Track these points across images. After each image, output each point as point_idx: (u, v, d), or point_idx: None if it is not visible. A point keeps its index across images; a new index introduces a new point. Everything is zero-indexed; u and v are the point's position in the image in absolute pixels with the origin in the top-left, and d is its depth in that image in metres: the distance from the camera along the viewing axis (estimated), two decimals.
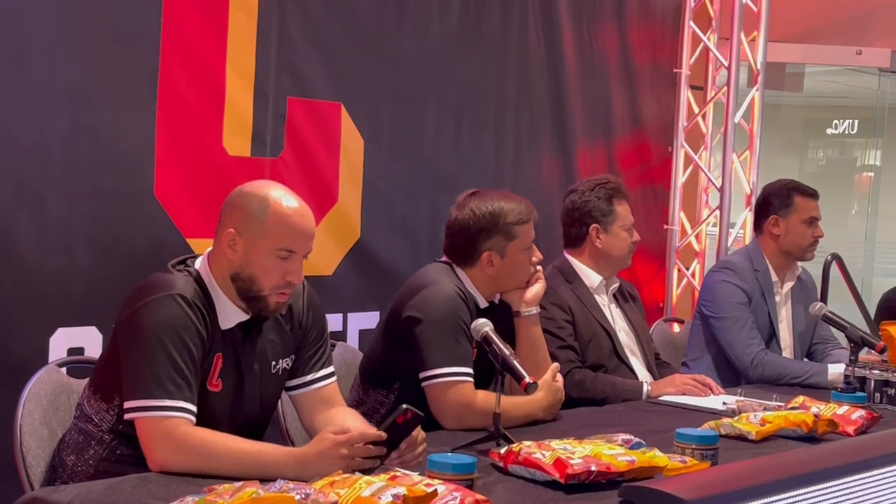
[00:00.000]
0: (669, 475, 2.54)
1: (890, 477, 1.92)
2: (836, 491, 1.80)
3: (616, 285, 4.15)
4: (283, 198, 2.71)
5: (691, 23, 6.03)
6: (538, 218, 3.45)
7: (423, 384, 3.20)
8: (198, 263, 2.76)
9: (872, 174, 9.24)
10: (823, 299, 5.66)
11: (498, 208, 3.35)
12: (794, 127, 10.54)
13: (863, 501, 1.89)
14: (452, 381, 3.18)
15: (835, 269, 5.98)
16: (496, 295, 3.44)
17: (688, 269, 6.16)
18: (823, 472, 1.77)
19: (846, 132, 10.04)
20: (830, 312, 4.11)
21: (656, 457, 2.64)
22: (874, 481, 1.89)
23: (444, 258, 3.44)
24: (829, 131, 10.35)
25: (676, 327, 5.26)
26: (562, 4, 5.31)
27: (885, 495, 1.93)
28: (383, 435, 2.47)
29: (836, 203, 9.10)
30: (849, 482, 1.81)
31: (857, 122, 9.66)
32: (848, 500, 1.86)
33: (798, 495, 1.69)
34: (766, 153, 9.59)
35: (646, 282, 5.96)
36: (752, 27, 6.08)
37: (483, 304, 3.38)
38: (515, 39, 5.12)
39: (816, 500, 1.72)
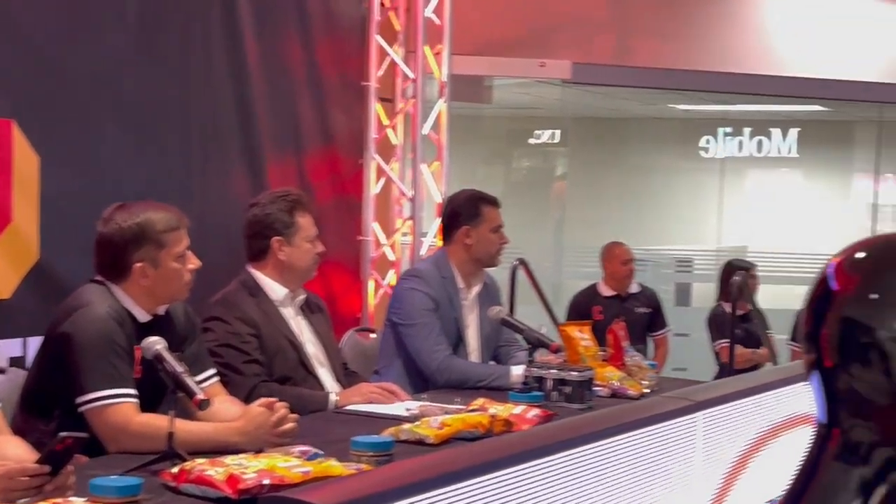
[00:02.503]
0: None
1: (527, 473, 1.99)
2: (474, 489, 1.85)
3: (302, 297, 4.16)
4: None
5: (377, 36, 6.14)
6: (190, 225, 3.41)
7: (80, 409, 3.11)
8: None
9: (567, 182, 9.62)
10: (511, 303, 5.85)
11: (145, 219, 3.29)
12: (498, 137, 10.86)
13: (504, 499, 1.95)
14: (108, 403, 3.10)
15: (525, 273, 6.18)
16: (160, 307, 3.38)
17: (384, 279, 6.25)
18: (462, 470, 1.82)
19: (548, 142, 10.41)
20: (507, 316, 4.25)
21: (332, 466, 2.66)
22: (512, 478, 1.95)
23: (98, 277, 3.36)
24: (530, 141, 10.70)
25: (372, 336, 5.32)
26: (244, 19, 5.29)
27: (522, 492, 2.00)
28: (45, 468, 2.39)
29: (538, 210, 9.43)
30: (486, 480, 1.87)
31: (558, 132, 10.04)
32: (491, 498, 1.92)
33: (436, 496, 1.73)
34: (469, 163, 9.87)
35: (341, 293, 6.01)
36: (438, 40, 6.24)
37: (144, 318, 3.32)
38: (198, 53, 5.07)
39: (455, 499, 1.77)
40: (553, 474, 2.07)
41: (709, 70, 7.74)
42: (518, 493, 1.91)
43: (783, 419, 3.08)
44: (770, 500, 2.84)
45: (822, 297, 1.31)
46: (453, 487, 1.71)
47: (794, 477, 1.32)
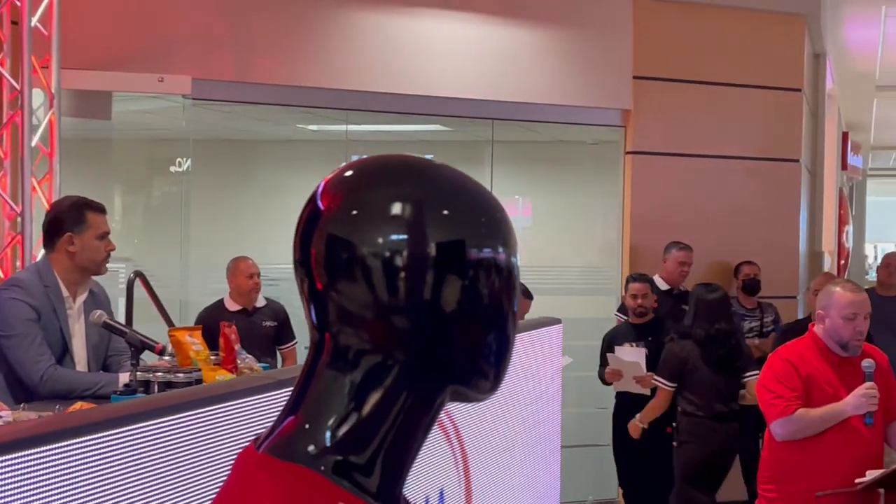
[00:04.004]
0: None
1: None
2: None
3: None
4: None
5: None
6: None
7: None
8: None
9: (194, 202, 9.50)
10: (129, 315, 5.75)
11: None
12: (140, 164, 10.63)
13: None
14: None
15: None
16: None
17: None
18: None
19: (182, 165, 10.25)
20: (109, 319, 4.19)
21: None
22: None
23: None
24: (172, 169, 10.52)
25: None
26: None
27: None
28: None
29: (166, 231, 9.26)
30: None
31: (192, 155, 9.89)
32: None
33: None
34: (107, 190, 9.56)
35: None
36: (47, 51, 6.07)
37: None
38: None
39: None
40: (111, 450, 2.07)
41: (331, 88, 7.88)
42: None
43: None
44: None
45: (309, 218, 1.34)
46: None
47: (294, 387, 1.36)
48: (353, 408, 1.31)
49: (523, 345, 4.36)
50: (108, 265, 4.65)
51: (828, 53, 11.21)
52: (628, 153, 8.69)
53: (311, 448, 1.30)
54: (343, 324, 1.32)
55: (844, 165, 17.72)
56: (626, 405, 7.46)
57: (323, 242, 1.32)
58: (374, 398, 1.31)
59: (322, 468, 1.28)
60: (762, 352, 8.22)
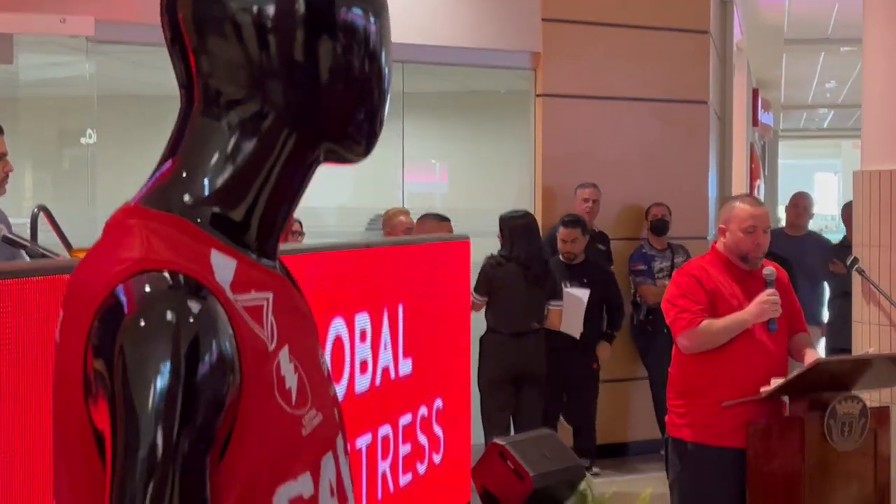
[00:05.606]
0: None
1: None
2: None
3: None
4: None
5: None
6: None
7: None
8: None
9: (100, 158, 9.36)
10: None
11: None
12: (50, 139, 10.45)
13: None
14: None
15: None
16: None
17: None
18: None
19: (95, 140, 10.08)
20: (9, 233, 4.12)
21: None
22: None
23: None
24: (83, 140, 10.34)
25: None
26: None
27: None
28: None
29: (73, 187, 9.13)
30: None
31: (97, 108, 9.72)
32: None
33: None
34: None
35: None
36: None
37: None
38: None
39: None
40: None
41: None
42: None
43: None
44: None
45: None
46: None
47: (168, 138, 1.34)
48: (230, 154, 1.29)
49: (430, 258, 4.36)
50: (6, 187, 4.58)
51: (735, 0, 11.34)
52: (539, 96, 8.69)
53: (186, 198, 1.28)
54: (216, 73, 1.30)
55: (755, 122, 17.99)
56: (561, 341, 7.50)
57: (189, 2, 1.30)
58: (250, 145, 1.29)
59: (199, 220, 1.26)
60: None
